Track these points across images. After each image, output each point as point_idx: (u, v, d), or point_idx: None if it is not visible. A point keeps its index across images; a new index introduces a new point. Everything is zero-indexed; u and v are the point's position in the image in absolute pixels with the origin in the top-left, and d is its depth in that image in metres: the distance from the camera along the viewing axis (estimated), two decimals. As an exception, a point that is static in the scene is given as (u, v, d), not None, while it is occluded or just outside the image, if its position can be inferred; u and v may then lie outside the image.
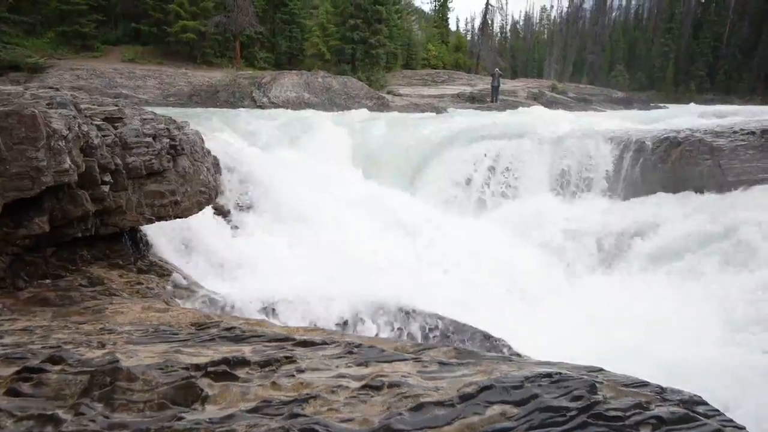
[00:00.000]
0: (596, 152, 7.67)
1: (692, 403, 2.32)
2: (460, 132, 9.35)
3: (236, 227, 3.76)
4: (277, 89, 15.92)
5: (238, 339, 2.41)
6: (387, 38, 22.70)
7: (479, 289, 4.52)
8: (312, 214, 4.41)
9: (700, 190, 6.76)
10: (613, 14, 60.05)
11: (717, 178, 6.73)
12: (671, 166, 7.10)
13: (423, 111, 14.94)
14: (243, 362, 2.24)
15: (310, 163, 6.80)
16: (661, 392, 2.37)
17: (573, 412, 2.18)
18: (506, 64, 42.17)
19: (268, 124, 9.87)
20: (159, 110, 3.56)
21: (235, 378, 2.19)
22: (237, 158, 4.56)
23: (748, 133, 7.32)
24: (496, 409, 2.20)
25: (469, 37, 53.01)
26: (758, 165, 6.75)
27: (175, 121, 3.50)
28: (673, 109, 18.14)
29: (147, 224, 3.09)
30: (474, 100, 19.13)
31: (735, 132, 7.43)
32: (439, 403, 2.21)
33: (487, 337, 3.27)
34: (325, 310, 3.01)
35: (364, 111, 13.32)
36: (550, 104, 17.54)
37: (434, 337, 3.57)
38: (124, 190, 2.91)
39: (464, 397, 2.23)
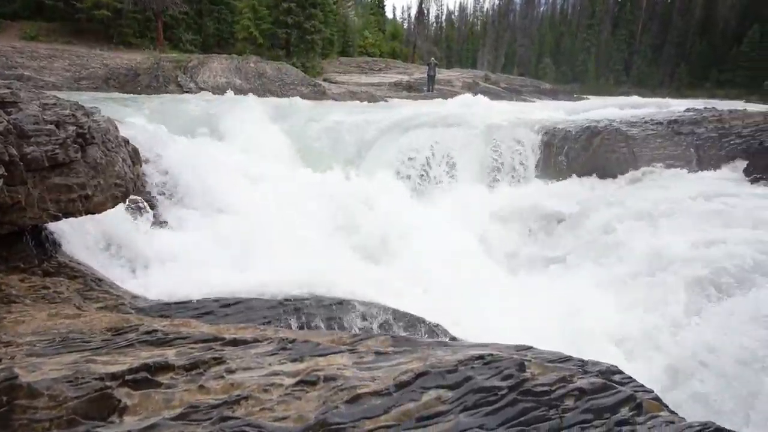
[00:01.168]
0: (526, 140, 8.05)
1: (609, 372, 2.50)
2: (398, 121, 9.40)
3: (159, 222, 3.51)
4: (206, 74, 15.03)
5: (161, 342, 2.25)
6: (322, 24, 22.19)
7: (418, 276, 4.58)
8: (242, 204, 4.22)
9: (616, 174, 7.32)
10: (541, 8, 63.10)
11: (631, 164, 7.32)
12: (593, 153, 7.61)
13: (360, 99, 14.81)
14: (166, 367, 2.09)
15: (242, 153, 6.51)
16: (582, 365, 2.53)
17: (504, 391, 2.27)
18: (442, 54, 42.95)
19: (196, 110, 9.32)
20: (73, 96, 3.19)
21: (158, 384, 2.04)
22: (160, 148, 4.25)
23: (656, 123, 8.01)
24: (431, 395, 2.23)
25: (405, 26, 53.33)
26: (664, 152, 7.42)
27: (82, 107, 3.17)
28: (594, 100, 19.45)
29: (52, 221, 2.78)
30: (411, 89, 19.30)
31: (646, 122, 8.10)
32: (376, 393, 2.21)
33: (424, 323, 3.31)
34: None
35: (298, 99, 12.98)
36: (484, 94, 18.11)
37: (373, 326, 3.57)
38: (22, 184, 2.59)
39: (400, 385, 2.24)
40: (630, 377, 2.60)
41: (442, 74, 22.35)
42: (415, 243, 5.06)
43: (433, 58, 21.28)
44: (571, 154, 7.73)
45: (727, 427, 2.17)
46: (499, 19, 60.59)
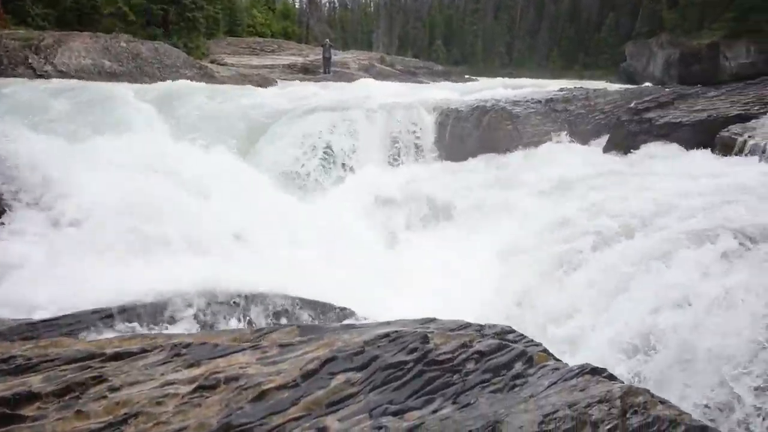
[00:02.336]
0: (422, 121, 8.31)
1: (504, 333, 2.71)
2: (295, 104, 9.12)
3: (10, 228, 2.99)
4: (66, 55, 13.03)
5: (22, 369, 1.93)
6: (205, 0, 20.51)
7: (323, 261, 4.53)
8: (112, 202, 3.79)
9: (506, 150, 7.90)
10: (432, -9, 65.03)
11: (516, 140, 7.96)
12: (483, 131, 8.13)
13: (253, 82, 14.03)
14: (31, 397, 1.80)
15: (124, 145, 5.82)
16: (480, 329, 2.71)
17: (410, 365, 2.34)
18: (336, 36, 42.42)
19: (60, 100, 8.11)
20: None
21: (22, 419, 1.75)
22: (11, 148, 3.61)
23: (536, 102, 8.79)
24: (340, 379, 2.22)
25: (297, 5, 51.54)
26: (543, 128, 8.19)
27: None
28: (483, 81, 20.74)
29: None
30: (307, 72, 18.81)
31: (527, 101, 8.84)
32: (283, 387, 2.14)
33: (333, 308, 3.29)
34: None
35: (184, 82, 11.94)
36: (380, 76, 18.31)
37: (281, 317, 3.45)
38: None
39: (307, 375, 2.19)
40: (522, 335, 2.85)
41: (338, 56, 22.08)
42: (322, 231, 5.00)
43: (327, 40, 20.91)
44: (464, 133, 8.17)
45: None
46: (392, 1, 61.37)
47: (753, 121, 7.11)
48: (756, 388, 2.86)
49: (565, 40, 49.73)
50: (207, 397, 2.00)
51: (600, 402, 1.97)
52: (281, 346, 2.33)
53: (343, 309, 3.40)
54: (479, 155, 7.79)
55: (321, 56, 19.42)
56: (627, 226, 4.49)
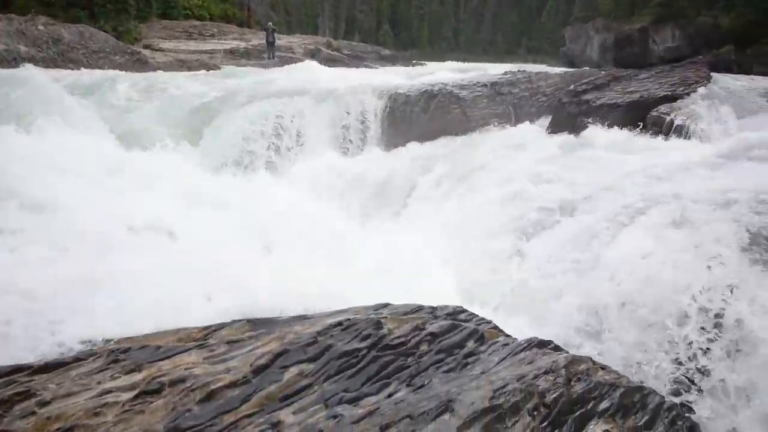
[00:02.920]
0: (371, 106, 8.24)
1: (455, 313, 2.76)
2: (240, 91, 8.75)
3: None
4: (-28, 40, 11.74)
5: (-69, 389, 1.74)
6: (135, -21, 19.13)
7: (275, 252, 4.41)
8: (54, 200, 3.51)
9: (453, 133, 8.00)
10: (378, -26, 64.19)
11: (463, 124, 8.08)
12: (431, 116, 8.18)
13: (192, 68, 13.28)
14: (-57, 419, 1.63)
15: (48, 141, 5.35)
16: (433, 311, 2.74)
17: (364, 351, 2.33)
18: (280, 19, 41.04)
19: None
20: None
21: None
22: None
23: (482, 86, 8.93)
24: (293, 371, 2.18)
25: (237, -13, 49.18)
26: (490, 111, 8.36)
27: None
28: (430, 65, 20.85)
29: None
30: (250, 57, 18.08)
31: (474, 84, 8.97)
32: (233, 384, 2.07)
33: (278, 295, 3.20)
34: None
35: (117, 72, 11.12)
36: (327, 61, 17.93)
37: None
38: None
39: (259, 370, 2.13)
40: (473, 314, 2.92)
41: (283, 40, 21.38)
42: (275, 220, 4.86)
43: (270, 24, 20.16)
44: (413, 118, 8.19)
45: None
46: (337, -16, 60.08)
47: (679, 101, 7.61)
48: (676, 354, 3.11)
49: (509, 24, 50.97)
50: (151, 403, 1.90)
51: (546, 373, 2.06)
52: (230, 342, 2.25)
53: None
54: (429, 139, 7.84)
55: (264, 41, 18.72)
56: (569, 204, 4.70)
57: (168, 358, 2.08)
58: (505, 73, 9.98)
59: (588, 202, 4.71)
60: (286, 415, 2.00)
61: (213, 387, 2.02)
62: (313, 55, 19.77)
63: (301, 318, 2.62)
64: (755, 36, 22.81)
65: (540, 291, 3.86)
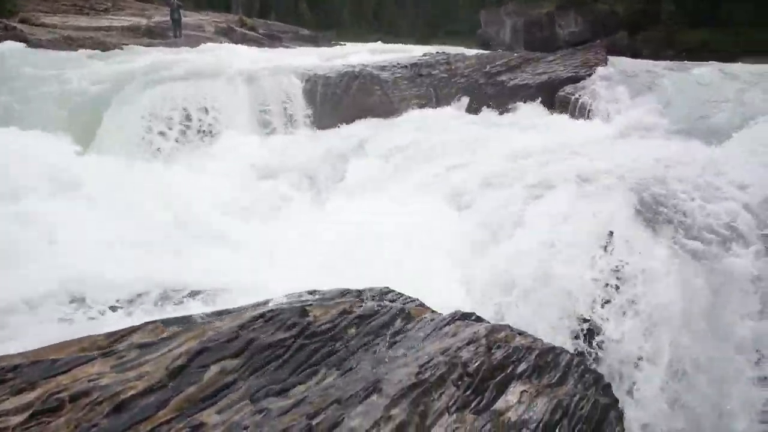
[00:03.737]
0: (291, 88, 7.96)
1: (382, 294, 2.78)
2: (145, 71, 8.00)
3: None
4: None
5: None
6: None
7: (193, 243, 4.15)
8: None
9: (378, 115, 8.00)
10: (291, -50, 61.43)
11: (386, 105, 8.10)
12: (353, 98, 8.10)
13: (85, 47, 11.84)
14: None
15: None
16: (359, 295, 2.74)
17: (290, 341, 2.27)
18: (189, -5, 38.02)
19: None
20: None
21: None
22: None
23: (402, 67, 8.99)
24: (213, 370, 2.07)
25: (136, -42, 44.61)
26: (410, 92, 8.46)
27: None
28: (350, 46, 20.57)
29: None
30: (153, 35, 16.53)
31: (394, 66, 9.01)
32: (147, 391, 1.91)
33: (199, 293, 3.03)
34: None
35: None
36: (241, 41, 16.93)
37: (142, 311, 3.08)
38: None
39: (175, 372, 1.99)
40: (400, 293, 2.96)
41: (191, 18, 19.85)
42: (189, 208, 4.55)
43: (174, -1, 18.61)
44: (335, 99, 8.05)
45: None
46: (249, -41, 56.70)
47: (581, 82, 8.24)
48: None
49: (429, 6, 51.64)
50: (48, 423, 1.70)
51: (468, 343, 2.14)
52: (141, 347, 2.08)
53: (216, 291, 3.16)
54: (352, 122, 7.77)
55: (169, 17, 17.22)
56: (485, 180, 4.93)
57: (67, 372, 1.87)
58: (424, 55, 10.13)
59: (501, 177, 4.98)
60: (208, 416, 1.90)
61: (123, 396, 1.86)
62: (225, 34, 18.60)
63: (222, 313, 2.49)
64: (644, 23, 25.40)
65: (456, 269, 4.02)
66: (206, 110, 7.17)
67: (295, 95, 7.90)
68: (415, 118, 7.71)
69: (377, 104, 8.10)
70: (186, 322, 2.35)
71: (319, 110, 7.95)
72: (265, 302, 2.54)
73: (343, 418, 1.72)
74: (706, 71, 8.61)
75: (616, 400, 2.37)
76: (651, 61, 10.60)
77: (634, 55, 15.57)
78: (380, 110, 8.02)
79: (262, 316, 2.23)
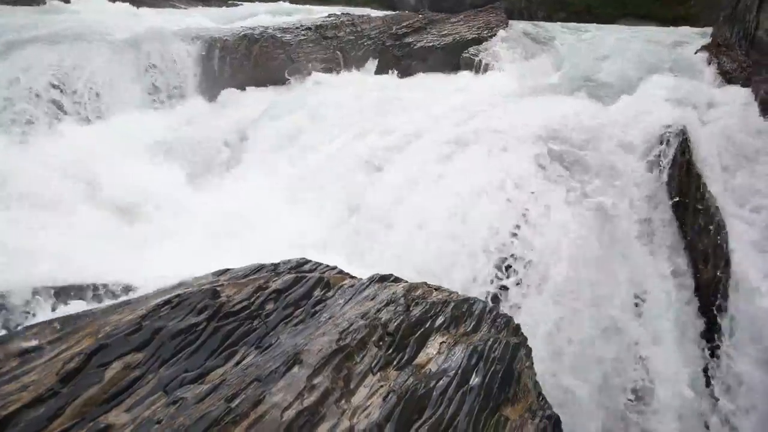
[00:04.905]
0: (182, 54, 7.24)
1: (298, 266, 2.71)
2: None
3: None
4: None
5: None
6: None
7: (84, 229, 3.72)
8: None
9: (282, 81, 7.61)
10: None
11: (291, 70, 7.72)
12: (255, 62, 7.59)
13: None
14: None
15: None
16: (275, 268, 2.64)
17: (202, 325, 2.14)
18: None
19: None
20: None
21: None
22: None
23: (306, 29, 8.57)
24: (115, 367, 1.88)
25: None
26: (316, 56, 8.13)
27: None
28: (248, 6, 19.12)
29: None
30: (12, -5, 14.04)
31: (297, 27, 8.55)
32: (36, 401, 1.70)
33: (97, 287, 2.74)
34: None
35: None
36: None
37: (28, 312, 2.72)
38: None
39: (69, 376, 1.78)
40: (318, 263, 2.91)
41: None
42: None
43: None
44: (234, 65, 7.49)
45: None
46: None
47: (484, 43, 8.49)
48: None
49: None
50: None
51: (387, 304, 2.18)
52: (22, 353, 1.83)
53: (113, 284, 2.88)
54: (254, 88, 7.31)
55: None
56: (395, 143, 4.97)
57: (-75, 393, 1.60)
58: (329, 16, 9.74)
59: (411, 138, 5.05)
60: (116, 417, 1.75)
61: (7, 411, 1.64)
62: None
63: (121, 304, 2.28)
64: (538, -15, 26.74)
65: (378, 233, 4.06)
66: (81, 80, 6.25)
67: (187, 61, 7.20)
68: (322, 81, 7.45)
69: (281, 69, 7.68)
70: (77, 320, 2.11)
71: (216, 77, 7.35)
72: (172, 287, 2.36)
73: (265, 395, 1.67)
74: (594, 32, 9.32)
75: (525, 338, 2.58)
76: (546, 23, 11.22)
77: (530, 17, 16.38)
78: (284, 76, 7.62)
79: (167, 302, 2.07)
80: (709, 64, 6.20)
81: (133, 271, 2.80)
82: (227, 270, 2.64)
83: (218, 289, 2.21)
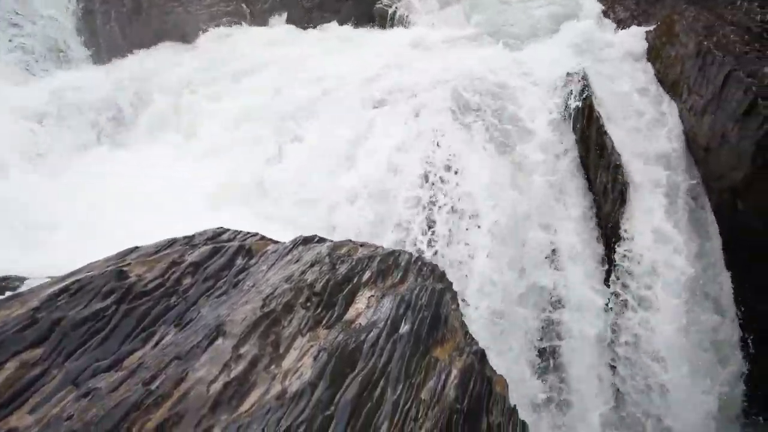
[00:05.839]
0: (56, 12, 6.26)
1: (216, 236, 2.57)
2: None
3: None
4: None
5: None
6: None
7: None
8: None
9: (180, 37, 6.90)
10: None
11: (190, 24, 7.01)
12: (146, 18, 6.78)
13: None
14: None
15: None
16: (189, 241, 2.48)
17: (111, 309, 1.97)
18: None
19: None
20: None
21: None
22: None
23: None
24: (10, 367, 1.66)
25: None
26: (218, 9, 7.45)
27: None
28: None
29: None
30: None
31: (193, -24, 7.70)
32: None
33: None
34: None
35: None
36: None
37: None
38: None
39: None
40: (238, 231, 2.78)
41: None
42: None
43: None
44: (121, 22, 6.64)
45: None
46: None
47: (398, -8, 8.25)
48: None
49: None
50: None
51: (312, 265, 2.14)
52: None
53: (6, 278, 2.56)
54: (147, 47, 6.57)
55: None
56: (312, 101, 4.80)
57: None
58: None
59: (330, 94, 4.90)
60: (19, 419, 1.59)
61: None
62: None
63: (11, 297, 2.02)
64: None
65: (303, 191, 3.97)
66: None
67: (64, 19, 6.26)
68: (224, 37, 6.87)
69: (177, 25, 6.94)
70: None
71: (100, 36, 6.48)
72: (72, 273, 2.13)
73: (187, 372, 1.59)
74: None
75: (450, 283, 2.70)
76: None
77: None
78: (181, 32, 6.90)
79: (64, 290, 1.87)
80: (606, 13, 6.64)
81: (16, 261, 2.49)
82: (135, 248, 2.43)
83: (125, 269, 2.03)
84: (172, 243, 2.36)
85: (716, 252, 4.35)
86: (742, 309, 4.27)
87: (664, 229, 4.20)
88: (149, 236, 2.43)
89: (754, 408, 4.21)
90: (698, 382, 3.84)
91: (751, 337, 4.21)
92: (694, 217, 4.48)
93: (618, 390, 3.95)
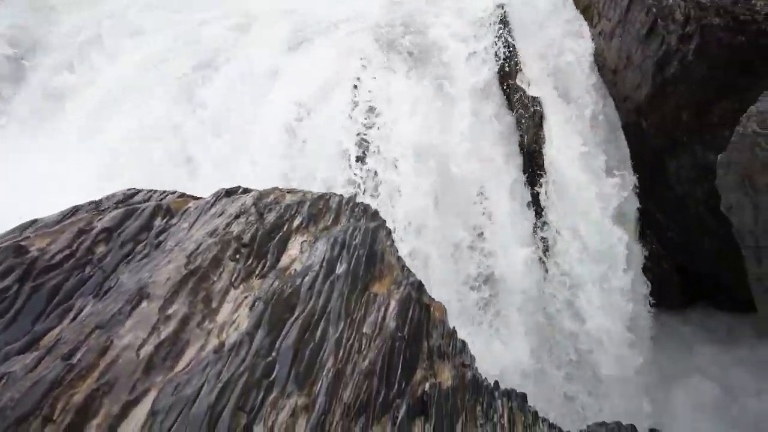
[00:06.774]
0: None
1: (128, 197, 2.37)
2: None
3: None
4: None
5: None
6: None
7: None
8: None
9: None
10: None
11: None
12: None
13: None
14: None
15: None
16: (97, 206, 2.26)
17: (14, 288, 1.79)
18: None
19: None
20: None
21: None
22: None
23: None
24: None
25: None
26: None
27: None
28: None
29: None
30: None
31: None
32: None
33: None
34: None
35: None
36: None
37: None
38: None
39: None
40: (153, 190, 2.58)
41: None
42: None
43: None
44: None
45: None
46: None
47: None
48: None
49: None
50: None
51: (237, 217, 2.05)
52: None
53: None
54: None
55: None
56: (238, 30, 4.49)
57: None
58: None
59: (258, 31, 4.63)
60: None
61: None
62: None
63: None
64: None
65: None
66: None
67: None
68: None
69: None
70: None
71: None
72: (-44, 256, 1.88)
73: (112, 340, 1.51)
74: None
75: (384, 221, 2.72)
76: None
77: None
78: None
79: (-50, 274, 1.66)
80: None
81: None
82: (34, 221, 2.19)
83: (23, 243, 1.83)
84: (75, 210, 2.15)
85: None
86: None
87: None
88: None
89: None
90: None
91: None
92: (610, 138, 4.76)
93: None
